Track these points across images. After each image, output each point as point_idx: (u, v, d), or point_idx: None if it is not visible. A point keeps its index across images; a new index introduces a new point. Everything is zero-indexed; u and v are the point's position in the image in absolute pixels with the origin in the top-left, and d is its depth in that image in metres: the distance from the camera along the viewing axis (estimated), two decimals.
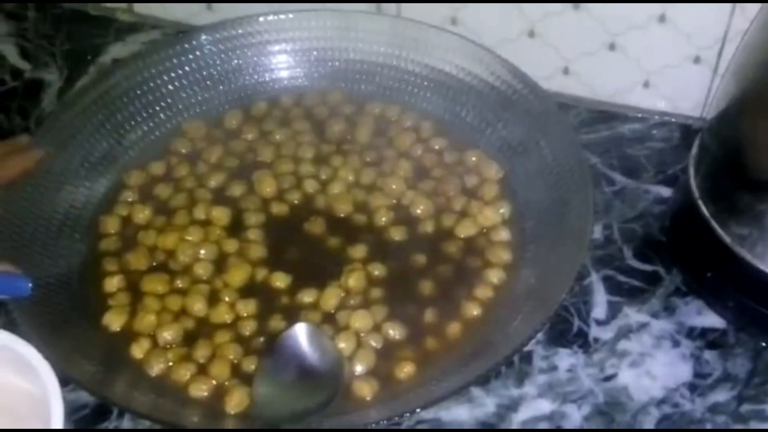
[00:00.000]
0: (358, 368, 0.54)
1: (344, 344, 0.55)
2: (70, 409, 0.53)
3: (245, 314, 0.57)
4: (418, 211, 0.63)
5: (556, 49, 0.71)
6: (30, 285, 0.53)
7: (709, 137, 0.61)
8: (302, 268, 0.60)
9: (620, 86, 0.72)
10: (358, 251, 0.60)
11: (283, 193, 0.64)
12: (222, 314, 0.57)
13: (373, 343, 0.55)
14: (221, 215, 0.63)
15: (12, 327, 0.50)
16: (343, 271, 0.59)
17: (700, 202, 0.59)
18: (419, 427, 0.54)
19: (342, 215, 0.63)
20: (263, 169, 0.66)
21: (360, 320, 0.56)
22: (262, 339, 0.56)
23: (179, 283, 0.59)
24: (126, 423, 0.55)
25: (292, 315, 0.57)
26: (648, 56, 0.69)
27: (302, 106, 0.71)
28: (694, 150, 0.62)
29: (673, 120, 0.71)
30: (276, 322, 0.56)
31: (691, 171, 0.60)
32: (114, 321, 0.57)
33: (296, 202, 0.64)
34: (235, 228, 0.62)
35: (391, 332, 0.56)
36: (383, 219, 0.62)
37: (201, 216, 0.63)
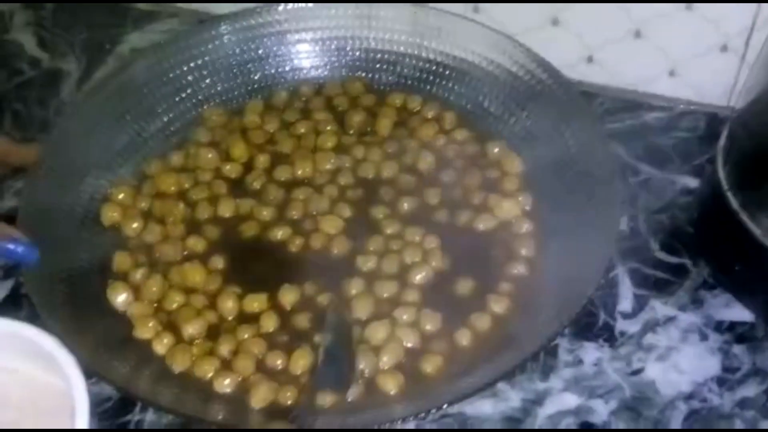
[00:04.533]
0: (385, 361, 0.54)
1: (372, 337, 0.55)
2: (94, 402, 0.53)
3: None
4: (439, 204, 0.62)
5: (581, 37, 0.70)
6: (37, 252, 0.53)
7: (739, 127, 0.60)
8: None
9: (645, 75, 0.71)
10: None
11: None
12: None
13: (401, 337, 0.55)
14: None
15: (35, 320, 0.49)
16: None
17: (728, 194, 0.58)
18: (444, 420, 0.54)
19: None
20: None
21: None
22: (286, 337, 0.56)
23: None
24: (149, 416, 0.54)
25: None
26: (674, 44, 0.68)
27: (323, 96, 0.70)
28: (722, 140, 0.60)
29: (699, 109, 0.70)
30: (301, 319, 0.56)
31: (719, 161, 0.59)
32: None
33: None
34: None
35: (417, 328, 0.55)
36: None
37: (225, 214, 0.62)
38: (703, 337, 0.57)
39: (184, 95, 0.68)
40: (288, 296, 0.57)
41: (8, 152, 0.60)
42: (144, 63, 0.68)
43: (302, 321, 0.56)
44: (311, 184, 0.64)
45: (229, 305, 0.57)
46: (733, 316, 0.58)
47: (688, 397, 0.55)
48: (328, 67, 0.71)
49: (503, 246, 0.60)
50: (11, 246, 0.52)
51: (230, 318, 0.56)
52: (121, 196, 0.63)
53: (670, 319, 0.58)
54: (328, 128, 0.67)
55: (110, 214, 0.62)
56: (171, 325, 0.56)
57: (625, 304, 0.59)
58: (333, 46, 0.71)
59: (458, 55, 0.69)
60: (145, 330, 0.55)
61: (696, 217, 0.63)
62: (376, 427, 0.49)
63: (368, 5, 0.70)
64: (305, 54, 0.71)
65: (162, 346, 0.55)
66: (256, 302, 0.57)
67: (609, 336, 0.58)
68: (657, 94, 0.71)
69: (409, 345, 0.55)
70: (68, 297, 0.56)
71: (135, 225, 0.61)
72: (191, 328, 0.55)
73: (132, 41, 0.78)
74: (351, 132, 0.67)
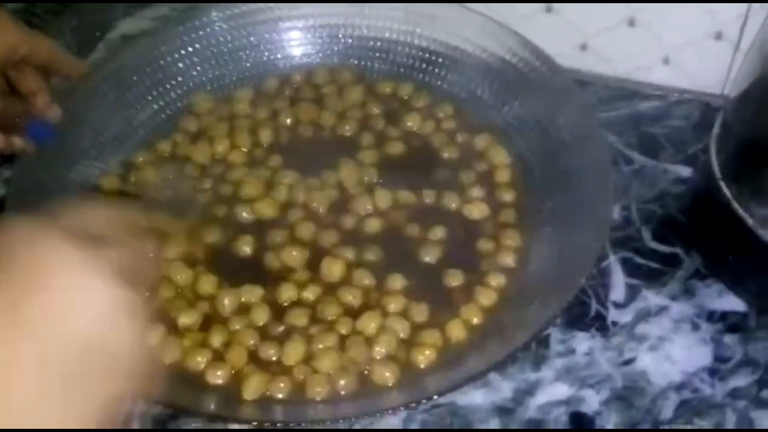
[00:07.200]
0: (377, 351, 0.53)
1: (364, 328, 0.54)
2: None
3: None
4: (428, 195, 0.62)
5: (575, 24, 0.69)
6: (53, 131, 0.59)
7: (732, 116, 0.59)
8: None
9: (639, 63, 0.70)
10: None
11: None
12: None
13: (395, 329, 0.55)
14: None
15: None
16: None
17: (721, 183, 0.57)
18: (435, 410, 0.54)
19: None
20: None
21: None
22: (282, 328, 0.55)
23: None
24: (140, 407, 0.54)
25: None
26: (668, 32, 0.68)
27: (313, 84, 0.69)
28: (716, 129, 0.60)
29: (693, 98, 0.70)
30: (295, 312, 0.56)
31: (713, 150, 0.59)
32: None
33: None
34: None
35: (408, 318, 0.55)
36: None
37: None
38: (695, 327, 0.57)
39: (174, 83, 0.68)
40: (284, 294, 0.57)
41: (56, 58, 0.59)
42: (134, 50, 0.67)
43: (296, 314, 0.56)
44: None
45: (224, 301, 0.56)
46: (725, 306, 0.58)
47: (680, 386, 0.55)
48: (320, 54, 0.71)
49: (493, 237, 0.59)
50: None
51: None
52: (108, 184, 0.62)
53: (662, 309, 0.58)
54: None
55: None
56: (163, 316, 0.55)
57: (617, 293, 0.59)
58: (325, 34, 0.70)
59: (451, 42, 0.68)
60: None
61: (689, 206, 0.63)
62: (366, 418, 0.49)
63: None
64: (297, 41, 0.71)
65: (153, 336, 0.55)
66: (250, 295, 0.57)
67: (601, 326, 0.57)
68: (651, 82, 0.71)
69: (401, 336, 0.55)
70: None
71: None
72: (185, 319, 0.55)
73: (123, 28, 0.78)
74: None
